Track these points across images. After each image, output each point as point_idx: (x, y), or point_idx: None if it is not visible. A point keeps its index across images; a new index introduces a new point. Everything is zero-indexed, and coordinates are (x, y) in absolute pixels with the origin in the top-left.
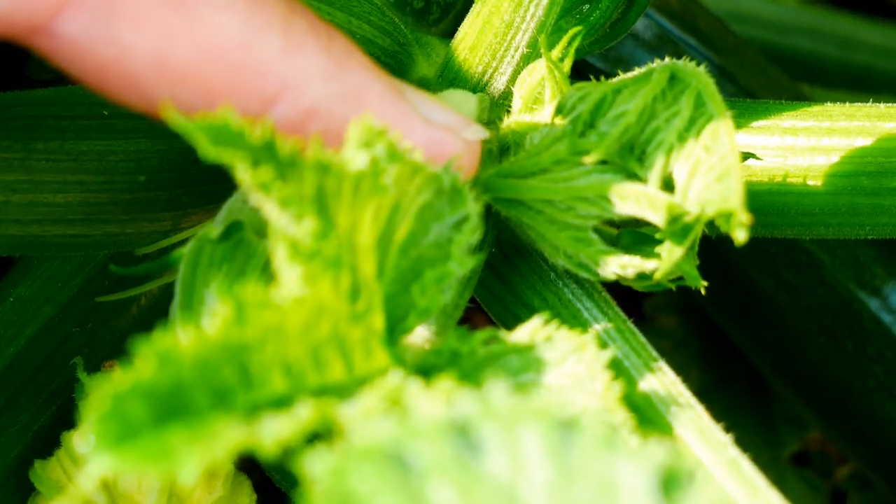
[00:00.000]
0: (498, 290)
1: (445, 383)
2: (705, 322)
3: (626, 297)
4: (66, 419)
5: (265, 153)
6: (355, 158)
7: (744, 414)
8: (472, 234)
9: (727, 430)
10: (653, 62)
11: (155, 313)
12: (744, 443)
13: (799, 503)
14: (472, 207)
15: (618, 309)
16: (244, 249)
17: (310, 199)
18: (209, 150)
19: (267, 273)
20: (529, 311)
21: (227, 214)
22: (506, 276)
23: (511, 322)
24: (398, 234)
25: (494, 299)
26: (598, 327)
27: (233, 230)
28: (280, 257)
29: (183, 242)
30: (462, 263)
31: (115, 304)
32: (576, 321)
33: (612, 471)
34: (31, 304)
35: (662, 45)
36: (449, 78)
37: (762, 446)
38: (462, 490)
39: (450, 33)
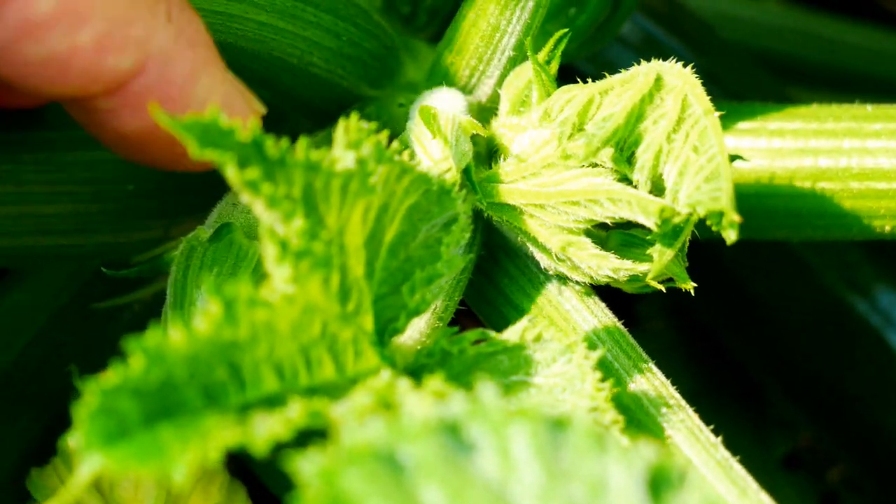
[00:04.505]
0: (487, 291)
1: (435, 383)
2: (696, 325)
3: (617, 299)
4: (62, 427)
5: (253, 152)
6: (343, 158)
7: (734, 416)
8: (461, 234)
9: (717, 431)
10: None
11: (148, 319)
12: (734, 445)
13: None
14: (461, 208)
15: (607, 311)
16: (234, 251)
17: (298, 198)
18: (197, 150)
19: (258, 274)
20: (519, 313)
21: (217, 217)
22: (494, 277)
23: (500, 324)
24: (387, 235)
25: (483, 301)
26: (587, 328)
27: (223, 232)
28: (270, 256)
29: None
30: (451, 264)
31: (108, 311)
32: (566, 323)
33: (602, 471)
34: (25, 313)
35: (648, 48)
36: (437, 81)
37: (753, 448)
38: (453, 490)
39: (437, 38)
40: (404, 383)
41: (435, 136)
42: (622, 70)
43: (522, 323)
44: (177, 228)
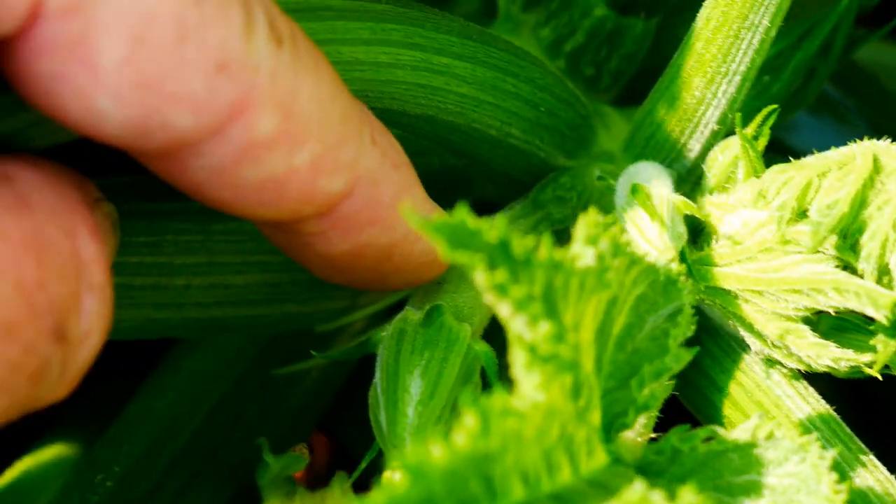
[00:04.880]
0: (688, 372)
1: (688, 496)
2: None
3: None
4: (246, 498)
5: (500, 253)
6: (583, 255)
7: None
8: (687, 326)
9: None
10: (816, 126)
11: (326, 386)
12: None
13: None
14: (687, 298)
15: (818, 397)
16: (445, 335)
17: (539, 297)
18: (447, 252)
19: (468, 361)
20: (723, 395)
21: (423, 295)
22: (696, 357)
23: (703, 405)
24: (615, 328)
25: (685, 382)
26: (801, 416)
27: (434, 315)
28: (519, 363)
29: (360, 320)
30: (679, 358)
31: (288, 377)
32: (777, 409)
33: None
34: (206, 379)
35: (822, 108)
36: (635, 152)
37: None
38: None
39: (619, 101)
40: (657, 496)
41: (653, 218)
42: (797, 130)
43: (753, 420)
44: (364, 297)
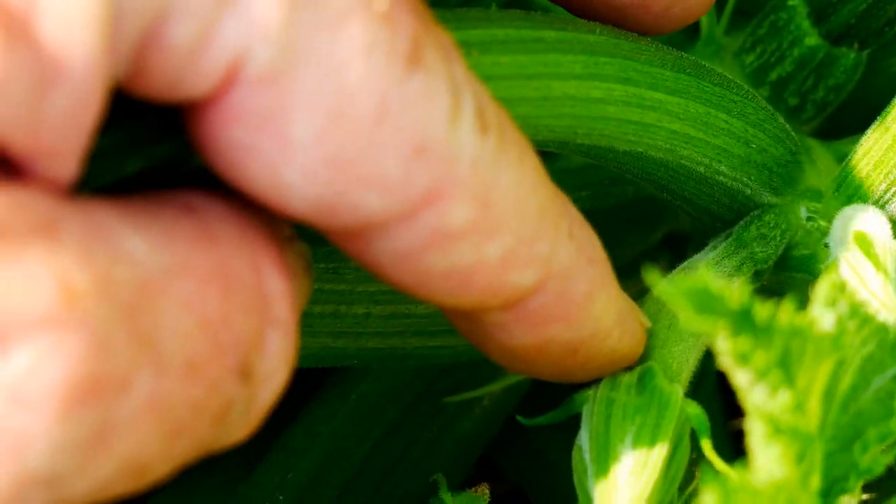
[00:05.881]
0: None
1: None
2: None
3: None
4: None
5: (742, 320)
6: (822, 319)
7: None
8: None
9: None
10: None
11: (496, 416)
12: None
13: None
14: None
15: None
16: (657, 398)
17: (776, 365)
18: (692, 318)
19: (678, 425)
20: None
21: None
22: None
23: None
24: (840, 389)
25: None
26: None
27: (646, 378)
28: (757, 435)
29: None
30: None
31: (458, 406)
32: None
33: None
34: (376, 405)
35: None
36: (847, 193)
37: None
38: None
39: (820, 133)
40: None
41: (878, 269)
42: None
43: None
44: None
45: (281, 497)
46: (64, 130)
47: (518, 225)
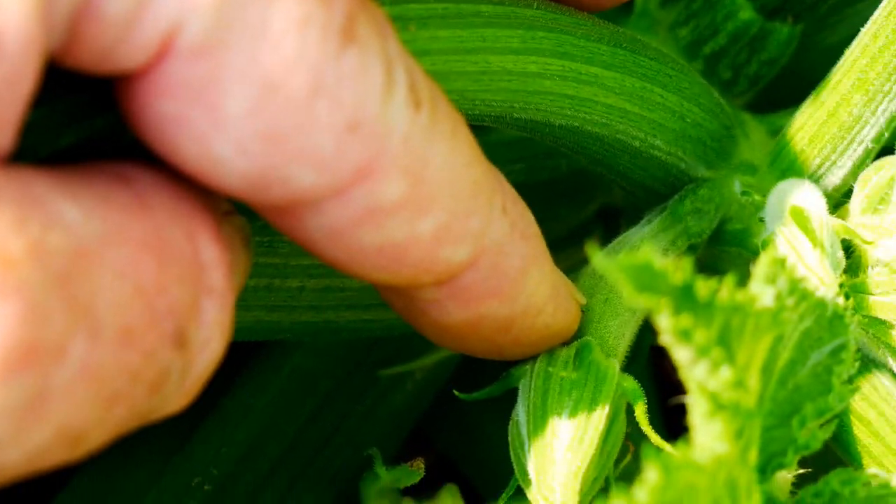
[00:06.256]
0: None
1: None
2: None
3: None
4: None
5: (684, 297)
6: (763, 295)
7: None
8: (851, 363)
9: None
10: None
11: (429, 388)
12: None
13: None
14: (852, 334)
15: None
16: (594, 373)
17: (717, 342)
18: (633, 295)
19: (614, 403)
20: (870, 432)
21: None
22: None
23: (849, 443)
24: (778, 365)
25: None
26: None
27: (584, 353)
28: (700, 413)
29: None
30: (842, 396)
31: (391, 379)
32: None
33: None
34: (309, 378)
35: None
36: (781, 167)
37: None
38: None
39: (752, 107)
40: None
41: (814, 245)
42: None
43: None
44: None
45: (215, 471)
46: None
47: (451, 201)
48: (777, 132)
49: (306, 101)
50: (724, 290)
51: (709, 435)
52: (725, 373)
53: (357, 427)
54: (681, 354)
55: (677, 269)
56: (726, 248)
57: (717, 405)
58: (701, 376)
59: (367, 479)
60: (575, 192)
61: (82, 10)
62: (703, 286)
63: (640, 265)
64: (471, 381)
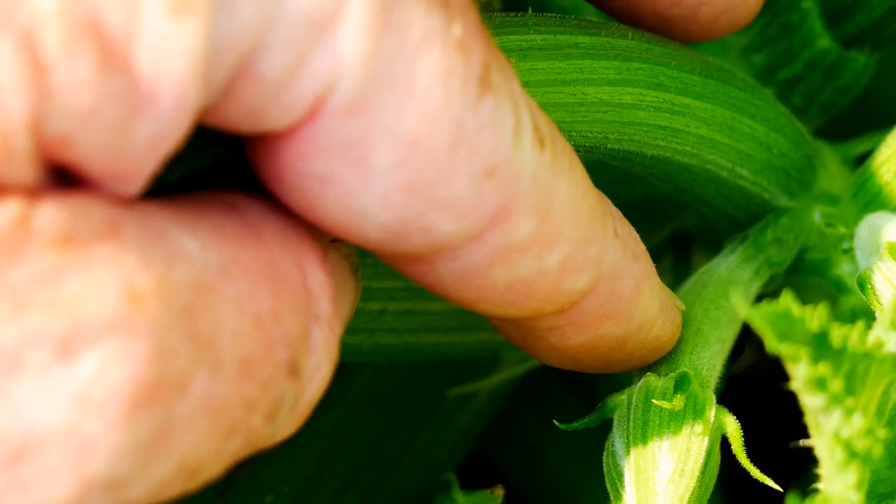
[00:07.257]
0: None
1: None
2: None
3: None
4: None
5: (820, 345)
6: (889, 341)
7: None
8: None
9: None
10: None
11: (491, 408)
12: None
13: None
14: None
15: None
16: (692, 405)
17: (846, 389)
18: (774, 344)
19: (711, 436)
20: None
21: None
22: None
23: None
24: (888, 406)
25: None
26: None
27: (682, 385)
28: (833, 460)
29: None
30: None
31: (457, 399)
32: None
33: None
34: (377, 397)
35: None
36: (865, 199)
37: None
38: None
39: (823, 134)
40: None
41: None
42: None
43: None
44: None
45: (286, 489)
46: (143, 157)
47: (573, 231)
48: (850, 160)
49: (448, 151)
50: (854, 336)
51: (842, 484)
52: (858, 421)
53: (426, 447)
54: (812, 402)
55: (814, 316)
56: (805, 278)
57: (851, 453)
58: (835, 425)
59: (438, 499)
60: (648, 217)
61: (240, 71)
62: (838, 333)
63: (780, 313)
64: (529, 401)
